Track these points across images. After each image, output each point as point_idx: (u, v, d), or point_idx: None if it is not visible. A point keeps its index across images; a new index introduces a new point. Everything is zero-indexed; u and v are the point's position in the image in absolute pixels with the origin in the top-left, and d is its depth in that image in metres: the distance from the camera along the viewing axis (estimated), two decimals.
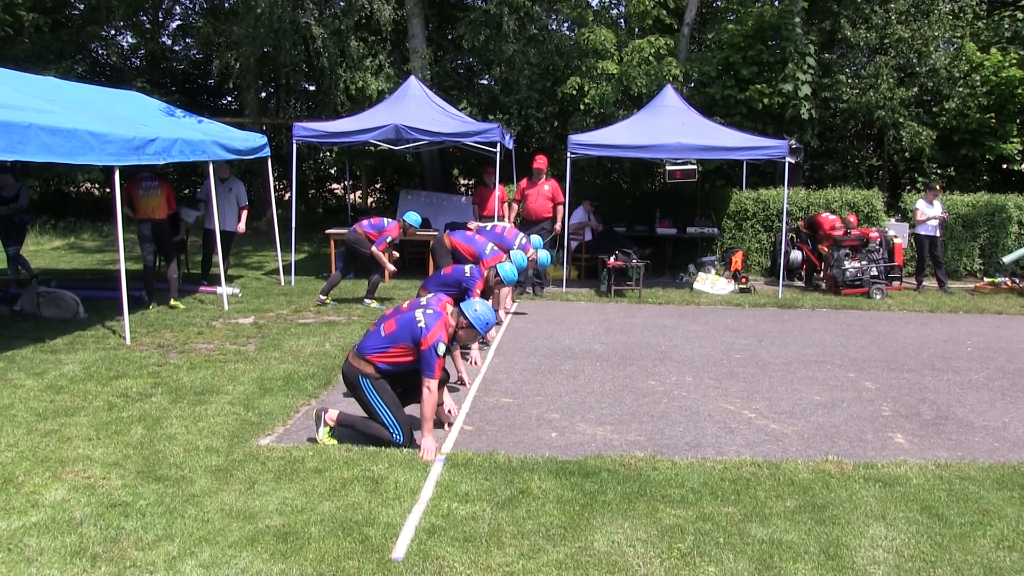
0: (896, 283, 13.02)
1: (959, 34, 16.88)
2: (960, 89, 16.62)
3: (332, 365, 7.41)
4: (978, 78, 16.63)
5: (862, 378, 7.56)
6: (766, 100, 15.59)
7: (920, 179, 16.74)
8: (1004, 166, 17.16)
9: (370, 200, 22.42)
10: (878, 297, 12.18)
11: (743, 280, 12.95)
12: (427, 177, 18.02)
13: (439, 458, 5.12)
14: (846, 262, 12.47)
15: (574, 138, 12.64)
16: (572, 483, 4.79)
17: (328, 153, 20.63)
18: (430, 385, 5.17)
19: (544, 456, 5.24)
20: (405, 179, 19.87)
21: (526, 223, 12.54)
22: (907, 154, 16.90)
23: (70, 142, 7.33)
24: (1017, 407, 6.78)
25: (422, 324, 5.26)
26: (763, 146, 12.52)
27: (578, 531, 4.20)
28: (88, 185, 24.28)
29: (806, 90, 15.60)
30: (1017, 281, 13.58)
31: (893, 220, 14.71)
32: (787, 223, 13.28)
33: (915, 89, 16.61)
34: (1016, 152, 16.69)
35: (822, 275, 13.14)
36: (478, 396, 6.67)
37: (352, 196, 20.21)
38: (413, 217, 10.67)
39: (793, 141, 13.03)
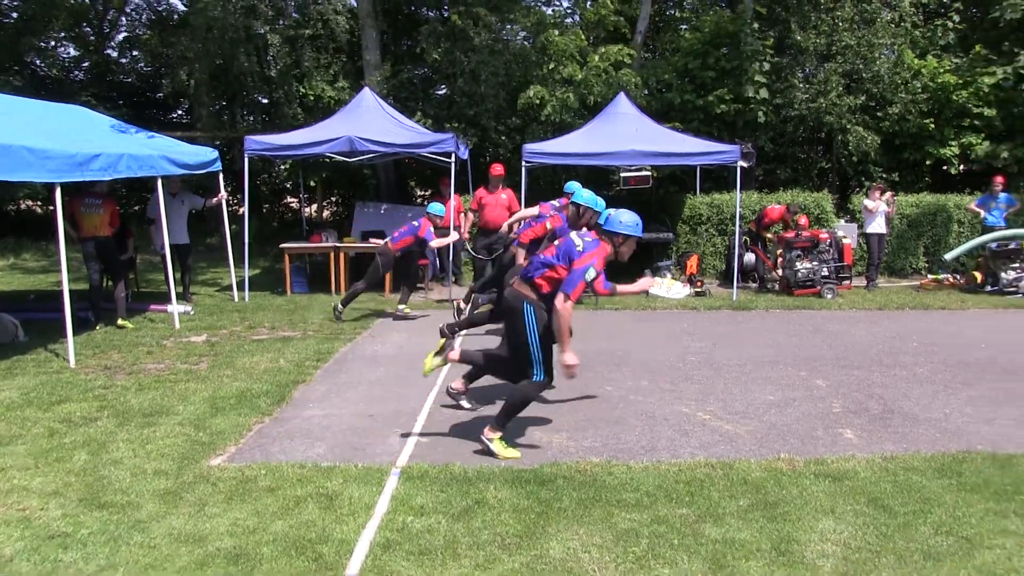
0: (846, 283, 13.24)
1: (899, 42, 17.34)
2: (902, 95, 17.09)
3: (286, 381, 7.33)
4: (918, 84, 17.11)
5: (814, 377, 7.67)
6: (724, 106, 15.85)
7: (867, 182, 17.06)
8: (944, 167, 17.60)
9: (326, 213, 22.23)
10: (829, 297, 12.38)
11: (698, 283, 13.08)
12: (383, 188, 17.94)
13: (394, 471, 5.09)
14: (798, 263, 12.67)
15: (529, 147, 12.68)
16: (528, 491, 4.78)
17: (283, 166, 20.45)
18: (563, 302, 5.21)
19: (500, 465, 5.23)
20: (361, 191, 19.75)
21: (484, 232, 12.54)
22: (854, 158, 17.34)
23: (5, 158, 7.15)
24: (957, 398, 6.95)
25: (580, 247, 5.39)
26: (716, 151, 12.70)
27: (534, 539, 4.19)
28: (30, 203, 23.70)
29: (764, 93, 15.90)
30: (958, 277, 13.97)
31: (842, 221, 15.00)
32: (740, 226, 13.46)
33: (862, 97, 17.04)
34: (953, 156, 17.20)
35: (773, 275, 13.34)
36: (433, 407, 6.64)
37: (309, 209, 20.04)
38: (437, 207, 10.85)
39: (746, 146, 13.23)
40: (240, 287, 12.60)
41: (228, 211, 13.18)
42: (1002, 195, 13.89)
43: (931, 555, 4.02)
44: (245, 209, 13.23)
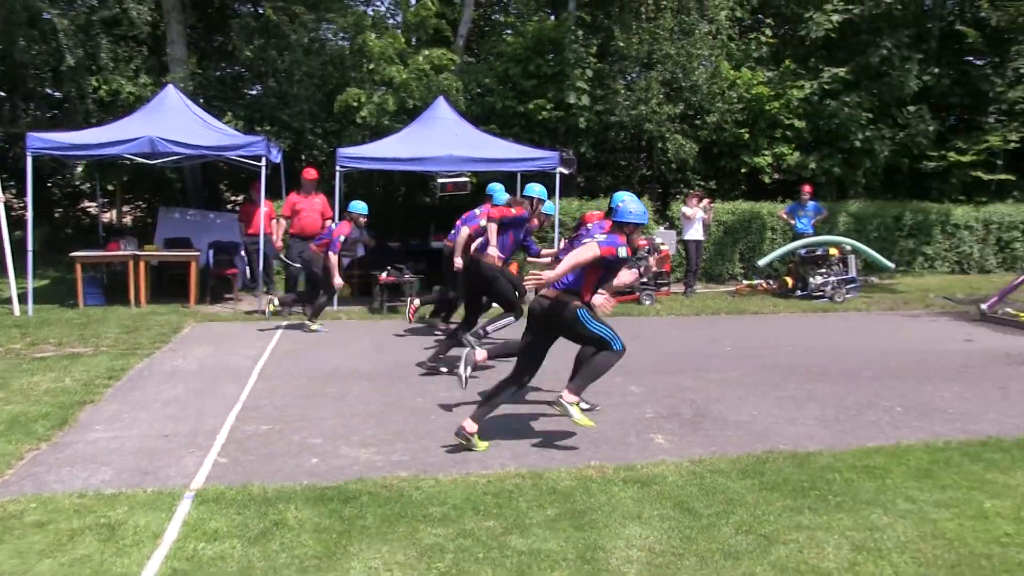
0: (664, 288, 13.86)
1: (716, 53, 18.43)
2: (719, 105, 18.15)
3: (71, 402, 6.86)
4: (734, 95, 18.24)
5: (628, 383, 7.97)
6: (546, 112, 16.24)
7: (686, 189, 17.98)
8: (761, 176, 18.83)
9: (127, 219, 21.06)
10: (648, 303, 12.93)
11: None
12: (189, 193, 17.21)
13: (187, 495, 4.87)
14: None
15: (343, 151, 12.54)
16: (330, 510, 4.70)
17: (77, 168, 19.21)
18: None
19: (303, 484, 5.11)
20: (166, 195, 18.88)
21: (299, 239, 12.23)
22: (674, 165, 18.24)
23: None
24: (765, 400, 7.40)
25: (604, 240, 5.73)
26: (535, 157, 13.01)
27: (334, 560, 4.12)
28: None
29: (585, 100, 16.42)
30: (771, 283, 14.97)
31: (662, 228, 15.70)
32: (561, 234, 13.81)
33: (682, 105, 17.96)
34: (767, 165, 18.44)
35: None
36: (235, 425, 6.41)
37: (110, 214, 18.94)
38: (360, 205, 10.66)
39: (566, 152, 13.60)
40: (23, 300, 11.69)
41: (11, 216, 12.22)
42: (810, 203, 14.99)
43: (731, 554, 4.25)
44: (29, 214, 12.26)
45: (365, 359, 8.97)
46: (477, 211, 9.43)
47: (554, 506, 4.82)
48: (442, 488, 5.06)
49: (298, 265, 11.85)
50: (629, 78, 18.85)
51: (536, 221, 8.94)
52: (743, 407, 7.16)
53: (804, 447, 6.00)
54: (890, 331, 11.31)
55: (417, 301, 10.00)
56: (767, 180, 18.95)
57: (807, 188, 15.16)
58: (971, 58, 21.03)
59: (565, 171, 13.08)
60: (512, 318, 8.36)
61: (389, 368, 8.52)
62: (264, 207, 12.50)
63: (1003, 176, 20.08)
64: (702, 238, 14.61)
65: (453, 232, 9.97)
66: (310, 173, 12.56)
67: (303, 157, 17.07)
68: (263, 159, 11.93)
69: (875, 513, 4.76)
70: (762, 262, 14.40)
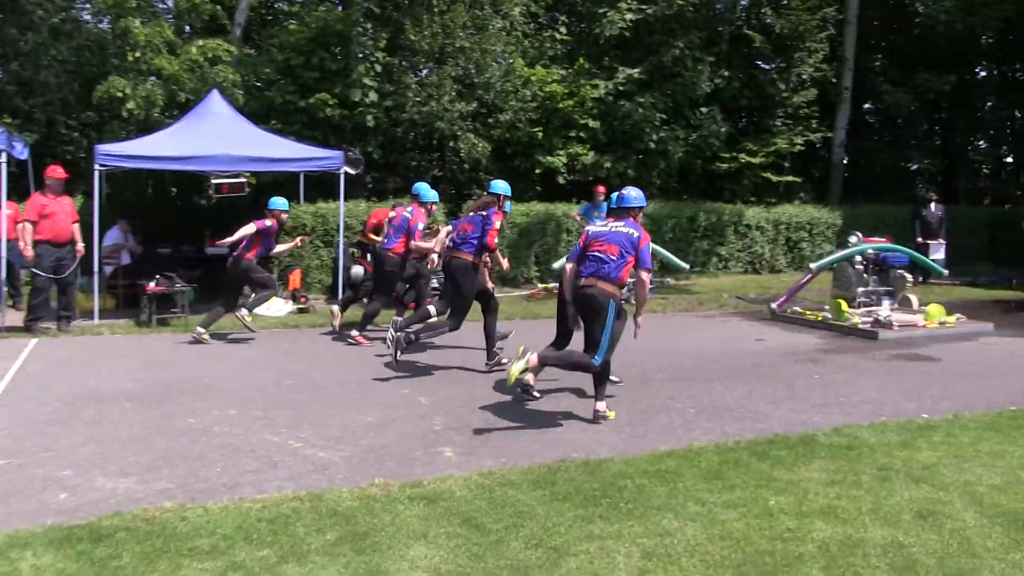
0: None
1: (510, 50, 18.81)
2: (512, 103, 18.51)
3: None
4: (528, 93, 18.67)
5: (417, 394, 7.94)
6: (329, 110, 15.95)
7: (479, 190, 18.18)
8: (555, 177, 19.36)
9: None
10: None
11: (302, 299, 13.06)
12: None
13: None
14: None
15: (103, 148, 11.82)
16: (79, 552, 4.35)
17: None
18: (648, 274, 7.22)
19: (46, 525, 4.71)
20: None
21: (52, 246, 11.31)
22: (466, 165, 18.42)
23: None
24: (559, 405, 7.61)
25: (636, 233, 7.09)
26: (320, 157, 12.84)
27: None
28: None
29: (373, 96, 16.24)
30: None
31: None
32: (346, 237, 13.64)
33: (474, 103, 18.18)
34: (561, 165, 18.99)
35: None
36: None
37: None
38: (280, 202, 10.82)
39: (352, 152, 13.45)
40: None
41: None
42: (604, 204, 15.49)
43: (520, 569, 4.28)
44: None
45: (130, 377, 8.47)
46: (407, 212, 10.45)
47: (334, 530, 4.71)
48: (211, 517, 4.83)
49: (49, 275, 11.01)
50: (421, 74, 18.89)
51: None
52: (535, 415, 7.29)
53: (596, 454, 6.15)
54: (685, 332, 11.92)
55: (336, 308, 11.27)
56: (562, 180, 19.51)
57: (601, 189, 15.62)
58: (759, 62, 22.70)
59: (351, 171, 12.97)
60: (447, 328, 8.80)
61: (157, 386, 8.08)
62: (7, 210, 11.52)
63: (790, 178, 21.86)
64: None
65: (387, 241, 10.64)
66: (57, 171, 11.66)
67: (56, 153, 15.94)
68: (3, 154, 11.03)
69: (666, 518, 4.93)
70: (557, 264, 14.74)
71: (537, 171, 19.25)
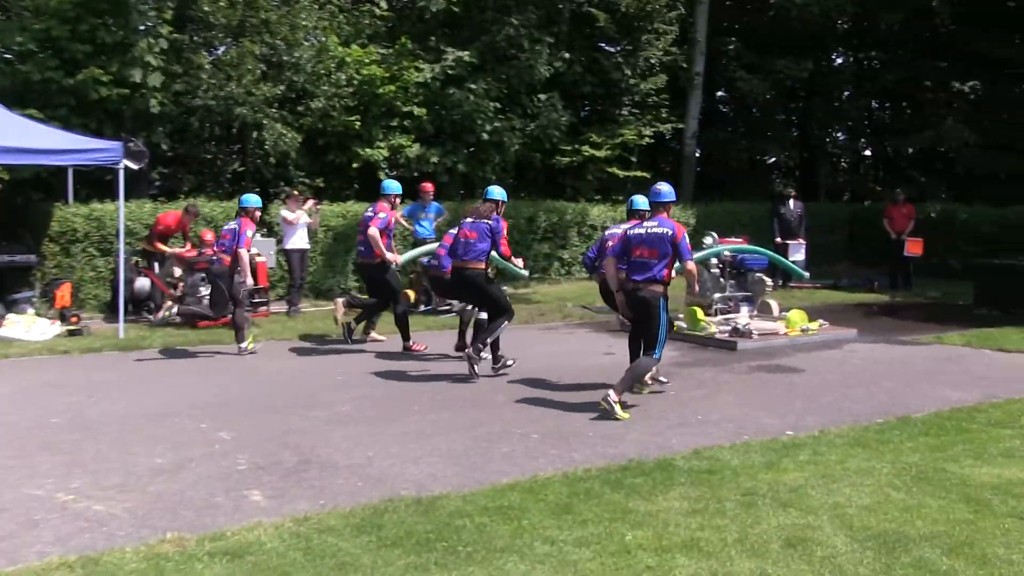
0: (263, 309, 13.56)
1: (324, 26, 18.43)
2: (326, 87, 18.13)
3: None
4: (343, 76, 18.32)
5: (217, 428, 7.62)
6: (104, 90, 15.13)
7: (287, 188, 17.75)
8: (376, 172, 19.07)
9: None
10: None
11: (73, 319, 12.35)
12: None
13: None
14: (202, 289, 12.65)
15: None
16: None
17: None
18: (692, 265, 8.57)
19: None
20: None
21: None
22: (272, 159, 17.90)
23: None
24: (383, 437, 7.42)
25: (670, 231, 8.23)
26: (91, 149, 12.32)
27: None
28: None
29: (156, 79, 15.54)
30: None
31: (259, 236, 15.29)
32: (129, 245, 13.04)
33: (282, 87, 17.70)
34: (383, 159, 18.70)
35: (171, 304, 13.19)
36: None
37: None
38: (253, 199, 11.38)
39: (134, 143, 12.88)
40: None
41: None
42: (432, 204, 15.39)
43: None
44: None
45: None
46: (368, 211, 11.49)
47: None
48: None
49: None
50: (217, 52, 18.26)
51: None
52: (357, 449, 7.08)
53: (430, 490, 6.02)
54: (525, 347, 11.83)
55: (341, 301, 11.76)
56: (383, 176, 19.21)
57: (428, 186, 15.50)
58: (603, 44, 23.11)
59: (133, 166, 12.48)
60: (505, 321, 10.15)
61: None
62: None
63: (638, 173, 22.22)
64: (307, 247, 14.49)
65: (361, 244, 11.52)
66: None
67: None
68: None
69: (511, 561, 4.84)
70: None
71: (355, 165, 18.84)
